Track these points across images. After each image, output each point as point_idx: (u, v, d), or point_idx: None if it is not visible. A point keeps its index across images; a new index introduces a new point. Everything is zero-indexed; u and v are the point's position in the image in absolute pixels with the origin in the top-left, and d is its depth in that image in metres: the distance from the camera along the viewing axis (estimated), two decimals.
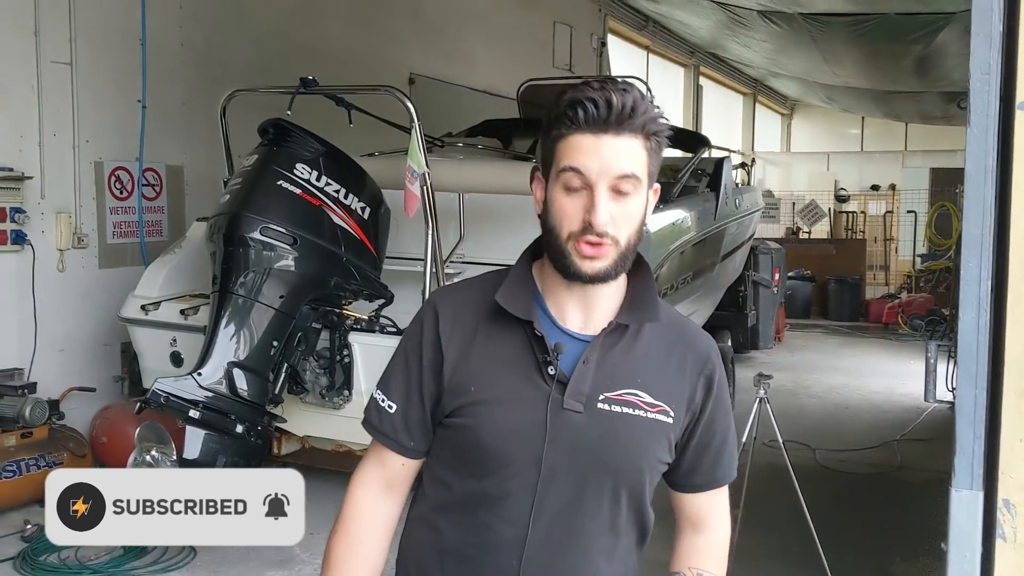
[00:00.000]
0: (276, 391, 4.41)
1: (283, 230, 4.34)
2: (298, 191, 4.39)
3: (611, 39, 13.79)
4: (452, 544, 1.56)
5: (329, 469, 5.33)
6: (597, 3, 13.03)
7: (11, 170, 5.42)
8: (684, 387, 1.57)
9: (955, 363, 2.19)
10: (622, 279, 1.54)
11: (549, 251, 1.49)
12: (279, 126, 4.54)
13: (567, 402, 1.50)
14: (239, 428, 4.22)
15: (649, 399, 1.53)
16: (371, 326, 4.65)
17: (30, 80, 5.61)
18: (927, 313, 12.95)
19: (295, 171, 4.39)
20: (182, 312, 4.92)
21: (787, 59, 13.97)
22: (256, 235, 4.32)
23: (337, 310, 4.62)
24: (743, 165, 9.58)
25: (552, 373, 1.50)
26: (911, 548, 4.82)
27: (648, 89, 8.23)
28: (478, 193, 4.93)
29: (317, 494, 5.77)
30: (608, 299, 1.54)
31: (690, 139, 7.63)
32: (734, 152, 17.35)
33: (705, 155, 7.40)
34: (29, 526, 4.82)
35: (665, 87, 16.00)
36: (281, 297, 4.34)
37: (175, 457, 4.10)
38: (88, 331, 6.00)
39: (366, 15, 8.41)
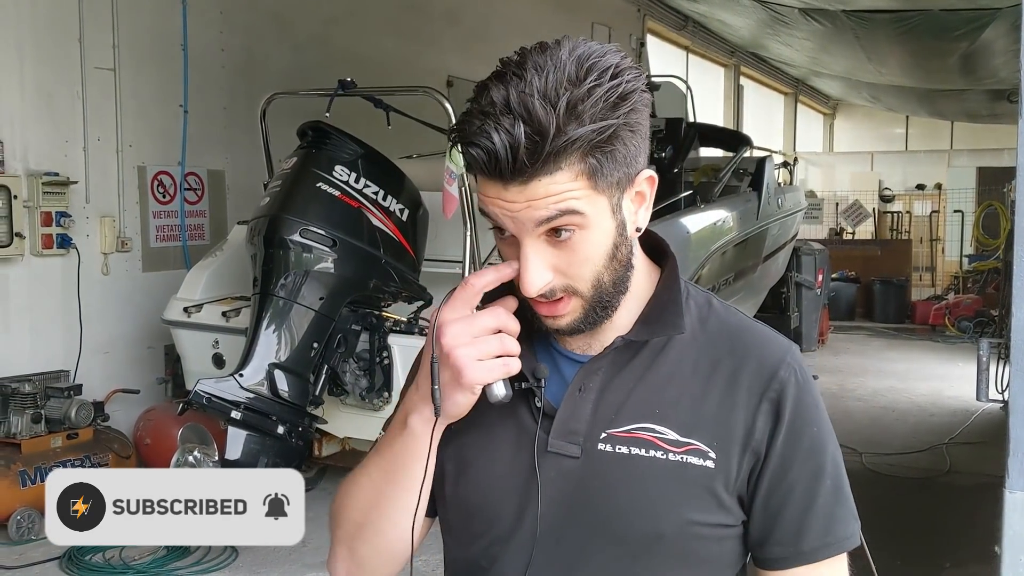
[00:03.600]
0: (316, 392, 4.42)
1: (322, 232, 4.36)
2: (337, 193, 4.40)
3: (650, 39, 13.72)
4: None
5: None
6: (635, 4, 12.96)
7: (57, 175, 5.49)
8: (734, 417, 1.12)
9: (1007, 363, 2.13)
10: (642, 286, 1.17)
11: None
12: (318, 128, 4.56)
13: (552, 443, 1.14)
14: (280, 429, 4.23)
15: (672, 435, 1.11)
16: (410, 328, 4.65)
17: (74, 86, 5.69)
18: (975, 314, 12.70)
19: (334, 173, 4.41)
20: (224, 314, 4.95)
21: (830, 58, 13.80)
22: (296, 237, 4.33)
23: (376, 312, 4.63)
24: (785, 164, 9.47)
25: (539, 406, 1.16)
26: (961, 554, 4.71)
27: (688, 88, 8.19)
28: None
29: None
30: (620, 312, 1.15)
31: (731, 138, 7.57)
32: (775, 152, 17.18)
33: (747, 154, 7.32)
34: None
35: (705, 88, 15.88)
36: (321, 299, 4.35)
37: (217, 458, 4.12)
38: (132, 334, 6.07)
39: (404, 21, 8.43)
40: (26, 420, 5.07)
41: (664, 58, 14.49)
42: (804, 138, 21.01)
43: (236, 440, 4.22)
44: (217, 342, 4.98)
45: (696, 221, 5.86)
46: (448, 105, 4.54)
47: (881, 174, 19.59)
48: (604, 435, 1.13)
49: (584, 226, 1.05)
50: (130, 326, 6.06)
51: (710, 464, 1.11)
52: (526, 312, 1.15)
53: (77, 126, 5.72)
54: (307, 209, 4.39)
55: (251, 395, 4.19)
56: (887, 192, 19.04)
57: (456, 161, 4.35)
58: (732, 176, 6.93)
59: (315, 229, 4.35)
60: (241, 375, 4.21)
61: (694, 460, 1.11)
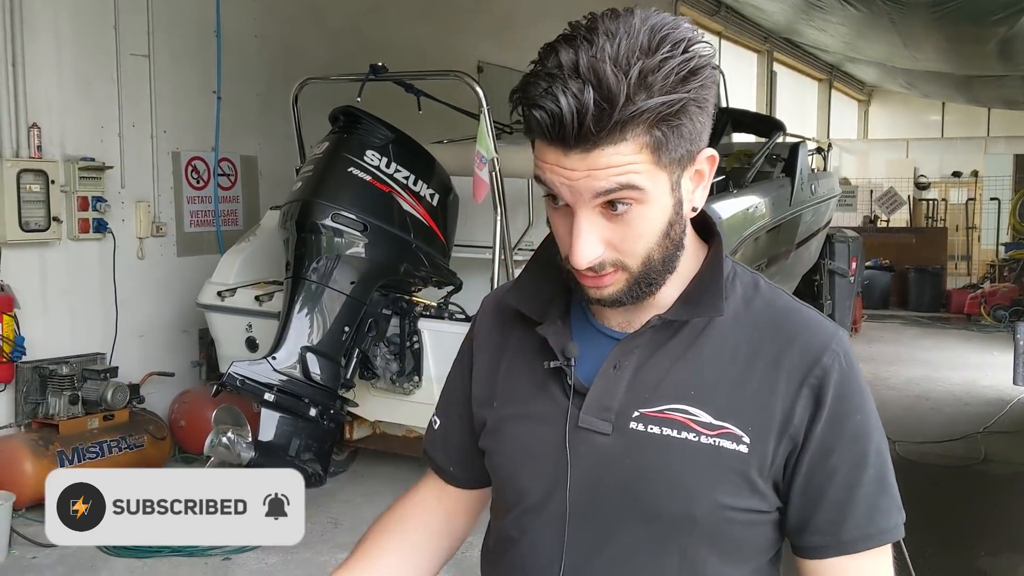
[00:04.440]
0: (348, 376, 4.46)
1: (353, 216, 4.39)
2: (368, 178, 4.42)
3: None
4: None
5: (400, 454, 5.40)
6: None
7: (93, 160, 5.56)
8: (772, 401, 1.09)
9: None
10: (687, 264, 1.14)
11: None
12: (349, 113, 4.58)
13: (583, 419, 1.13)
14: (312, 411, 4.29)
15: (706, 418, 1.09)
16: (440, 313, 4.67)
17: (110, 72, 5.75)
18: (1011, 303, 12.52)
19: (365, 158, 4.43)
20: (257, 298, 5.00)
21: (865, 43, 13.61)
22: (327, 222, 4.37)
23: (407, 297, 4.66)
24: (819, 150, 9.37)
25: (570, 383, 1.15)
26: (997, 543, 4.66)
27: (721, 73, 8.12)
28: None
29: (390, 477, 5.86)
30: (663, 289, 1.13)
31: (764, 123, 7.51)
32: (809, 139, 17.01)
33: (780, 140, 7.26)
34: None
35: (738, 74, 15.74)
36: (352, 283, 4.38)
37: (251, 439, 4.17)
38: (167, 318, 6.15)
39: (436, 8, 8.44)
40: (64, 402, 5.16)
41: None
42: (838, 125, 20.77)
43: (269, 422, 4.28)
44: (250, 326, 5.03)
45: (728, 207, 5.82)
46: (479, 89, 4.54)
47: (916, 161, 19.32)
48: (637, 414, 1.11)
49: (642, 201, 1.03)
50: (165, 310, 6.13)
51: (743, 449, 1.09)
52: (568, 280, 1.13)
53: (112, 112, 5.79)
54: (338, 194, 4.42)
55: (284, 378, 4.24)
56: (922, 179, 18.80)
57: (486, 146, 4.36)
58: (765, 162, 6.87)
59: (346, 214, 4.38)
60: (274, 358, 4.26)
61: (727, 444, 1.09)
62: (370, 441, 5.46)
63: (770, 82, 16.79)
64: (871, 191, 17.73)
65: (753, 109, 15.44)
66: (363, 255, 4.42)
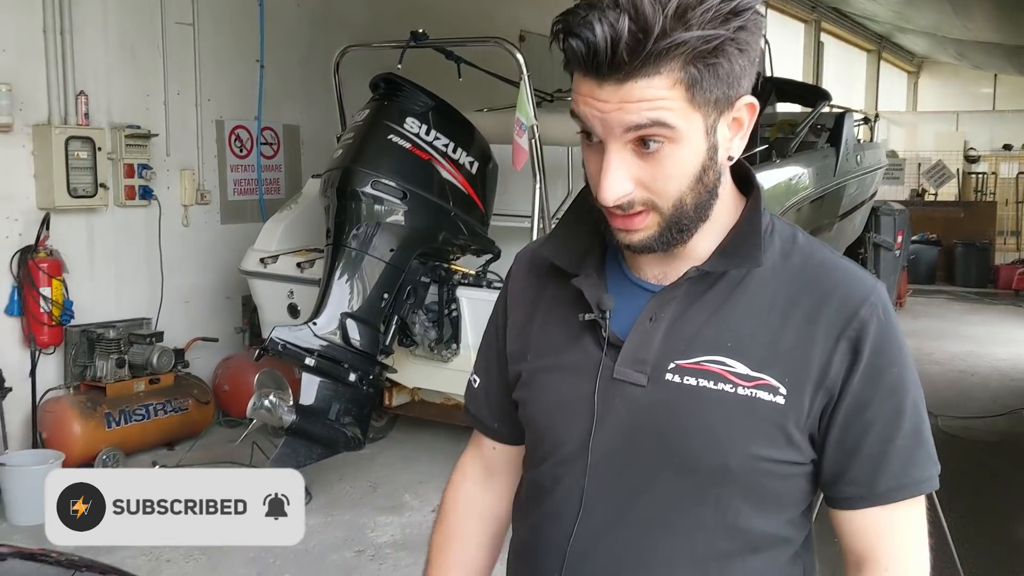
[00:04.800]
0: (387, 342, 4.50)
1: (393, 184, 4.41)
2: (408, 145, 4.44)
3: None
4: (517, 547, 1.28)
5: (438, 421, 5.45)
6: None
7: (138, 128, 5.63)
8: (810, 354, 1.08)
9: None
10: (725, 215, 1.13)
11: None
12: (390, 81, 4.59)
13: (619, 371, 1.12)
14: (352, 376, 4.34)
15: (743, 369, 1.08)
16: (478, 281, 4.69)
17: (156, 41, 5.82)
18: None
19: (405, 125, 4.45)
20: (298, 265, 5.06)
21: (914, 12, 13.32)
22: (367, 189, 4.40)
23: (445, 264, 4.68)
24: (866, 120, 9.21)
25: (605, 336, 1.15)
26: None
27: (766, 41, 8.00)
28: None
29: (428, 444, 5.92)
30: (699, 241, 1.12)
31: (810, 93, 7.39)
32: (856, 111, 16.72)
33: (825, 110, 7.15)
34: (157, 467, 5.07)
35: (784, 44, 15.48)
36: (391, 250, 4.41)
37: (292, 403, 4.24)
38: (211, 284, 6.24)
39: None
40: (111, 365, 5.27)
41: None
42: (887, 97, 20.36)
43: (310, 386, 4.35)
44: (292, 292, 5.09)
45: (771, 177, 5.76)
46: (519, 56, 4.52)
47: (966, 134, 18.90)
48: (672, 365, 1.11)
49: (674, 140, 1.02)
50: (209, 276, 6.22)
51: (780, 400, 1.08)
52: (601, 226, 1.13)
53: (158, 80, 5.85)
54: (378, 161, 4.44)
55: (324, 343, 4.30)
56: (972, 152, 18.39)
57: (526, 113, 4.35)
58: (810, 132, 6.78)
59: (386, 181, 4.40)
60: (315, 323, 4.32)
61: (763, 395, 1.08)
62: (409, 408, 5.51)
63: (817, 52, 16.49)
64: (919, 164, 17.39)
65: (800, 79, 15.21)
66: (402, 223, 4.45)
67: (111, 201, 5.54)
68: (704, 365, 1.10)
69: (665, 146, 1.02)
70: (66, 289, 5.24)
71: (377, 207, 4.44)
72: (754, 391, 1.08)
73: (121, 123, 5.58)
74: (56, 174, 5.15)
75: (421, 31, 4.75)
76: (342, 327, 4.33)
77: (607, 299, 1.15)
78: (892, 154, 16.48)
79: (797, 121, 6.62)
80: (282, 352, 4.24)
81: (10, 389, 4.71)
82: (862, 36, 18.19)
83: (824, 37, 16.78)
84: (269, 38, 6.48)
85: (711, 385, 1.09)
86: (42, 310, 5.12)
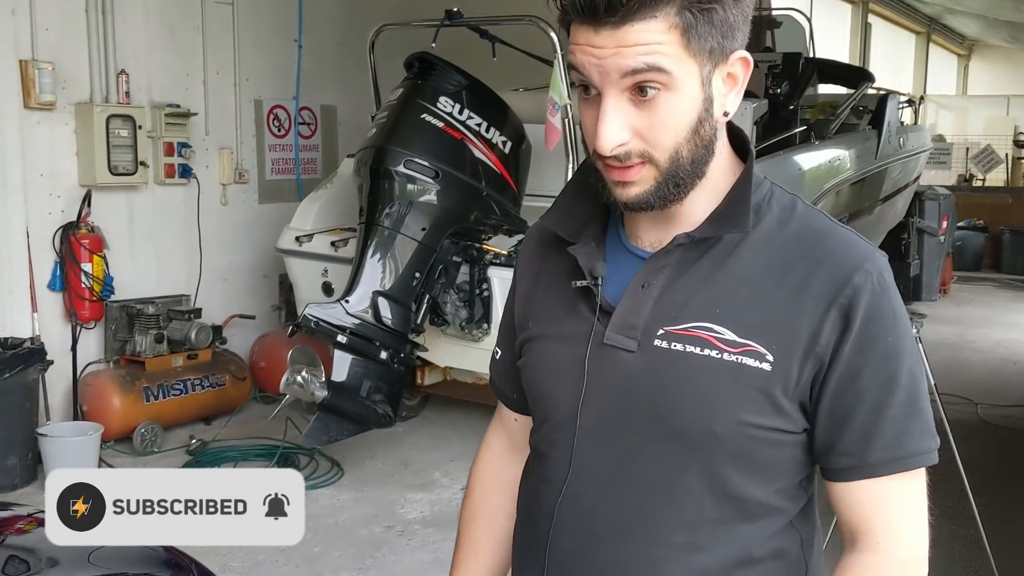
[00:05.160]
0: (418, 321, 4.53)
1: (426, 163, 4.42)
2: (441, 124, 4.44)
3: None
4: (519, 513, 1.30)
5: (470, 401, 5.47)
6: None
7: (178, 107, 5.70)
8: (799, 321, 1.07)
9: None
10: (721, 182, 1.13)
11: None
12: (424, 60, 4.60)
13: (609, 336, 1.13)
14: (383, 354, 4.38)
15: (730, 336, 1.08)
16: (510, 261, 4.68)
17: (195, 20, 5.88)
18: None
19: (438, 104, 4.45)
20: (333, 244, 5.10)
21: None
22: (400, 168, 4.41)
23: (477, 244, 4.68)
24: (910, 102, 9.04)
25: (599, 301, 1.16)
26: None
27: (808, 21, 7.89)
28: None
29: (459, 423, 5.95)
30: (693, 207, 1.13)
31: (852, 74, 7.27)
32: (902, 94, 16.43)
33: (868, 91, 7.03)
34: (194, 441, 5.16)
35: (830, 25, 15.22)
36: (423, 230, 4.43)
37: (324, 379, 4.28)
38: (249, 262, 6.32)
39: None
40: (150, 340, 5.36)
41: None
42: (936, 80, 19.96)
43: (342, 363, 4.39)
44: (326, 271, 5.14)
45: (809, 158, 5.68)
46: (554, 35, 4.50)
47: (1018, 119, 18.47)
48: (662, 331, 1.11)
49: (670, 87, 1.02)
50: (247, 255, 6.30)
51: (766, 367, 1.07)
52: (598, 186, 1.13)
53: (197, 59, 5.92)
54: (411, 140, 4.45)
55: (356, 321, 4.33)
56: (1022, 137, 17.97)
57: (559, 92, 4.33)
58: (852, 114, 6.68)
59: (419, 160, 4.42)
60: (347, 301, 4.35)
61: (749, 362, 1.07)
62: (441, 387, 5.54)
63: (864, 34, 16.20)
64: (967, 149, 17.03)
65: (844, 61, 14.95)
66: (435, 202, 4.46)
67: (151, 179, 5.62)
68: (692, 331, 1.10)
69: (661, 93, 1.02)
70: (107, 265, 5.33)
71: (410, 186, 4.45)
72: (740, 357, 1.08)
73: (161, 102, 5.65)
74: (97, 152, 5.23)
75: (456, 10, 4.75)
76: (374, 305, 4.36)
77: (599, 266, 1.15)
78: (939, 138, 16.17)
79: (838, 103, 6.52)
80: (315, 329, 4.28)
81: (52, 362, 4.80)
82: (911, 18, 17.83)
83: (872, 18, 16.48)
84: (307, 18, 6.52)
85: (698, 351, 1.09)
86: (83, 285, 5.22)
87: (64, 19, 5.16)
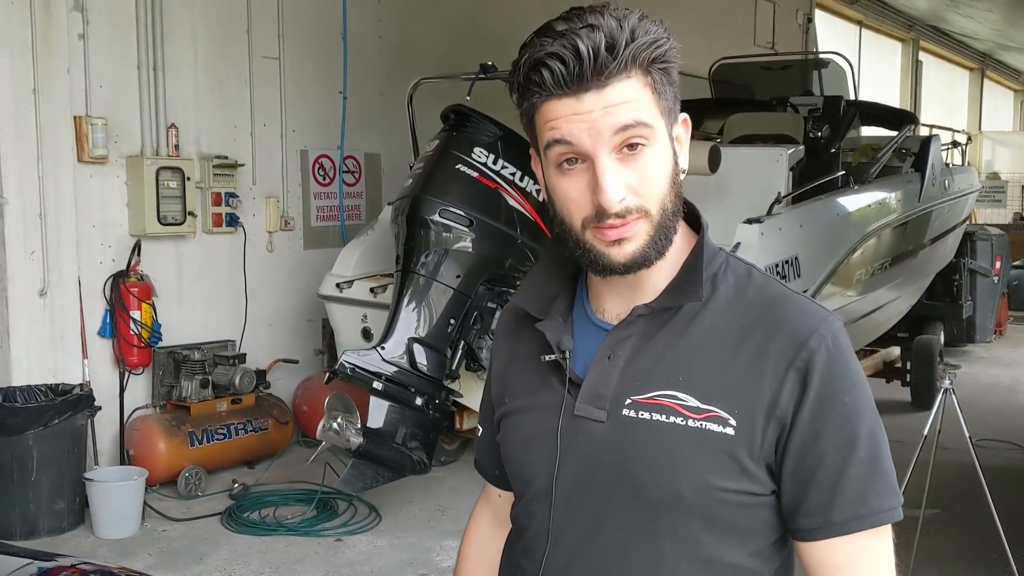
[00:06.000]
0: (453, 367, 4.58)
1: (461, 212, 4.50)
2: (475, 174, 4.53)
3: (819, 14, 13.21)
4: None
5: None
6: None
7: (226, 158, 5.88)
8: (759, 386, 1.11)
9: None
10: (676, 250, 1.17)
11: (568, 246, 1.16)
12: (459, 112, 4.70)
13: (579, 408, 1.17)
14: (419, 401, 4.43)
15: (693, 402, 1.11)
16: None
17: (243, 75, 6.08)
18: None
19: (473, 155, 4.54)
20: (372, 290, 5.18)
21: (1016, 30, 12.87)
22: (435, 217, 4.50)
23: (512, 290, 4.73)
24: (955, 144, 8.92)
25: (568, 374, 1.20)
26: None
27: (849, 64, 7.86)
28: None
29: None
30: (656, 279, 1.17)
31: (894, 116, 7.21)
32: (958, 132, 16.20)
33: (911, 134, 6.98)
34: (236, 485, 5.25)
35: (880, 64, 15.14)
36: (458, 277, 4.50)
37: (360, 426, 4.34)
38: (293, 307, 6.45)
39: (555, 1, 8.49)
40: (195, 385, 5.49)
41: (836, 34, 13.92)
42: (991, 116, 19.68)
43: (378, 409, 4.45)
44: (366, 316, 5.22)
45: (848, 203, 5.65)
46: None
47: None
48: (629, 401, 1.14)
49: (652, 141, 1.10)
50: (292, 300, 6.43)
51: (730, 431, 1.10)
52: (583, 259, 1.16)
53: (245, 112, 6.11)
54: (447, 190, 4.54)
55: (392, 367, 4.39)
56: None
57: None
58: (894, 156, 6.62)
59: (454, 209, 4.50)
60: (383, 348, 4.42)
61: (713, 427, 1.11)
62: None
63: (915, 72, 16.08)
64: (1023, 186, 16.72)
65: (896, 100, 14.83)
66: (470, 250, 4.53)
67: (199, 228, 5.79)
68: (657, 399, 1.13)
69: (646, 148, 1.10)
70: (155, 312, 5.49)
71: (445, 234, 4.54)
72: (704, 423, 1.11)
73: (209, 153, 5.84)
74: (147, 203, 5.42)
75: (490, 63, 4.84)
76: (409, 352, 4.42)
77: (566, 340, 1.20)
78: (994, 176, 15.90)
79: (880, 145, 6.48)
80: (351, 375, 4.35)
81: (99, 408, 4.95)
82: (963, 54, 17.67)
83: (922, 56, 16.36)
84: (351, 70, 6.70)
85: (664, 419, 1.12)
86: (132, 332, 5.37)
87: (116, 76, 5.38)
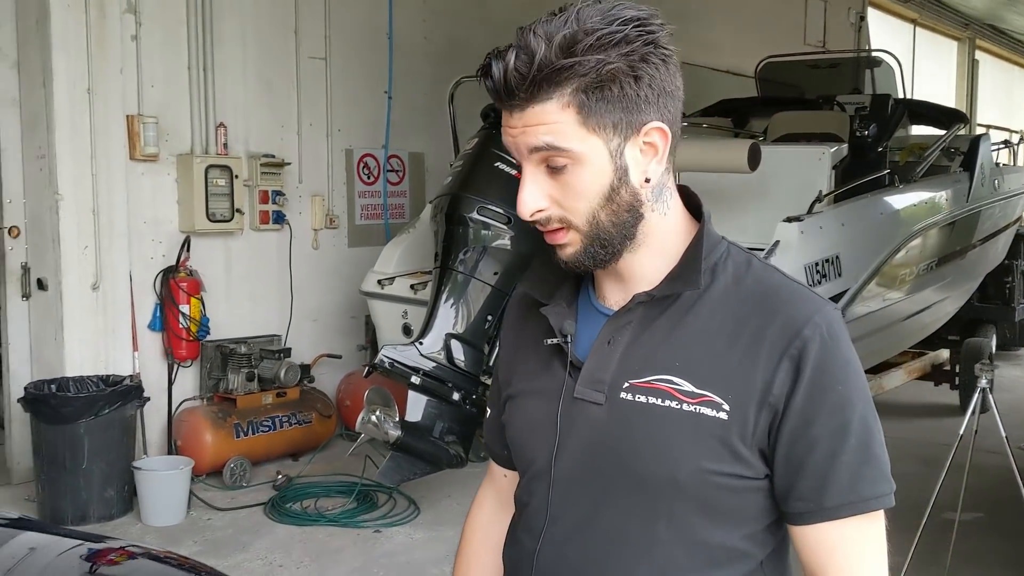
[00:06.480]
0: (490, 363, 4.62)
1: (499, 210, 4.55)
2: (514, 172, 4.56)
3: (872, 13, 13.03)
4: (505, 560, 1.36)
5: None
6: None
7: (273, 157, 6.01)
8: (753, 373, 1.13)
9: None
10: (675, 241, 1.21)
11: None
12: (499, 110, 4.74)
13: (579, 391, 1.20)
14: (456, 396, 4.49)
15: (688, 387, 1.14)
16: None
17: (290, 75, 6.20)
18: None
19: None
20: (412, 287, 5.26)
21: None
22: (474, 215, 4.56)
23: None
24: (1007, 143, 8.74)
25: (569, 358, 1.23)
26: None
27: (898, 62, 7.76)
28: (693, 172, 4.88)
29: None
30: (647, 267, 1.20)
31: (944, 115, 7.10)
32: (1015, 132, 15.85)
33: (960, 133, 6.87)
34: (280, 476, 5.36)
35: (934, 64, 14.89)
36: (496, 274, 4.55)
37: (398, 419, 4.42)
38: (337, 304, 6.56)
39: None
40: (242, 378, 5.61)
41: (890, 32, 13.71)
42: None
43: (416, 404, 4.52)
44: (406, 313, 5.30)
45: (892, 202, 5.59)
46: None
47: None
48: (627, 384, 1.17)
49: (577, 160, 1.11)
50: (336, 297, 6.54)
51: (723, 416, 1.13)
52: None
53: (292, 112, 6.23)
54: (486, 188, 4.60)
55: (430, 362, 4.46)
56: None
57: None
58: (943, 155, 6.53)
59: (492, 207, 4.55)
60: (421, 343, 4.50)
61: (707, 411, 1.14)
62: None
63: (971, 71, 15.77)
64: None
65: (952, 100, 14.57)
66: (508, 247, 4.58)
67: (246, 225, 5.92)
68: (654, 384, 1.16)
69: (570, 166, 1.12)
70: (203, 307, 5.63)
71: (483, 232, 4.59)
72: (698, 407, 1.14)
73: (257, 152, 5.97)
74: (196, 200, 5.56)
75: None
76: (447, 347, 4.49)
77: (568, 324, 1.23)
78: None
79: (928, 144, 6.39)
80: (389, 370, 4.43)
81: (148, 399, 5.09)
82: (1021, 53, 17.27)
83: (979, 55, 16.04)
84: (397, 70, 6.79)
85: (659, 402, 1.15)
86: (181, 326, 5.52)
87: (168, 76, 5.53)
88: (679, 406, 1.14)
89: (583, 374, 1.21)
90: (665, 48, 1.12)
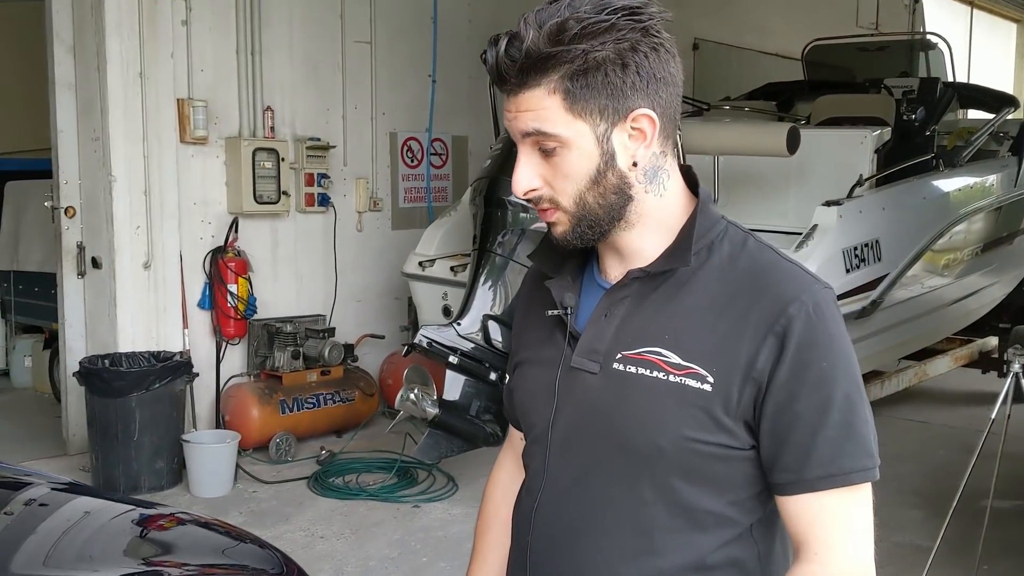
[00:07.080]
0: None
1: None
2: None
3: None
4: (512, 518, 1.42)
5: None
6: None
7: (319, 140, 6.13)
8: (738, 348, 1.18)
9: None
10: (673, 219, 1.26)
11: None
12: None
13: (575, 360, 1.27)
14: (492, 376, 4.57)
15: (676, 359, 1.19)
16: None
17: (336, 58, 6.30)
18: None
19: None
20: (452, 269, 5.34)
21: None
22: (512, 198, 4.61)
23: None
24: None
25: (569, 330, 1.29)
26: None
27: (948, 45, 7.62)
28: (733, 155, 4.89)
29: None
30: (645, 244, 1.25)
31: (994, 99, 6.98)
32: None
33: (1011, 117, 6.74)
34: (324, 451, 5.50)
35: (992, 47, 14.55)
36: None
37: (436, 397, 4.52)
38: (381, 285, 6.67)
39: None
40: (287, 356, 5.76)
41: (946, 15, 13.43)
42: None
43: (454, 383, 4.61)
44: (446, 294, 5.38)
45: (936, 186, 5.53)
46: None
47: None
48: (620, 355, 1.24)
49: (565, 144, 1.17)
50: (379, 278, 6.66)
51: (707, 388, 1.18)
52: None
53: (337, 95, 6.34)
54: None
55: (468, 343, 4.54)
56: None
57: None
58: (991, 140, 6.42)
59: None
60: (459, 324, 4.58)
61: (691, 383, 1.19)
62: None
63: None
64: None
65: (1010, 84, 14.24)
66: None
67: (292, 207, 6.05)
68: (644, 355, 1.22)
69: (559, 149, 1.18)
70: (251, 286, 5.78)
71: (522, 215, 4.65)
72: (683, 379, 1.19)
73: (303, 136, 6.09)
74: (244, 182, 5.70)
75: None
76: (484, 328, 4.56)
77: (569, 297, 1.30)
78: None
79: (976, 128, 6.30)
80: (428, 350, 4.52)
81: (197, 374, 5.25)
82: None
83: None
84: (441, 54, 6.86)
85: (647, 373, 1.21)
86: (229, 305, 5.67)
87: (217, 61, 5.67)
88: (665, 377, 1.20)
89: (580, 344, 1.27)
90: (656, 35, 1.16)
